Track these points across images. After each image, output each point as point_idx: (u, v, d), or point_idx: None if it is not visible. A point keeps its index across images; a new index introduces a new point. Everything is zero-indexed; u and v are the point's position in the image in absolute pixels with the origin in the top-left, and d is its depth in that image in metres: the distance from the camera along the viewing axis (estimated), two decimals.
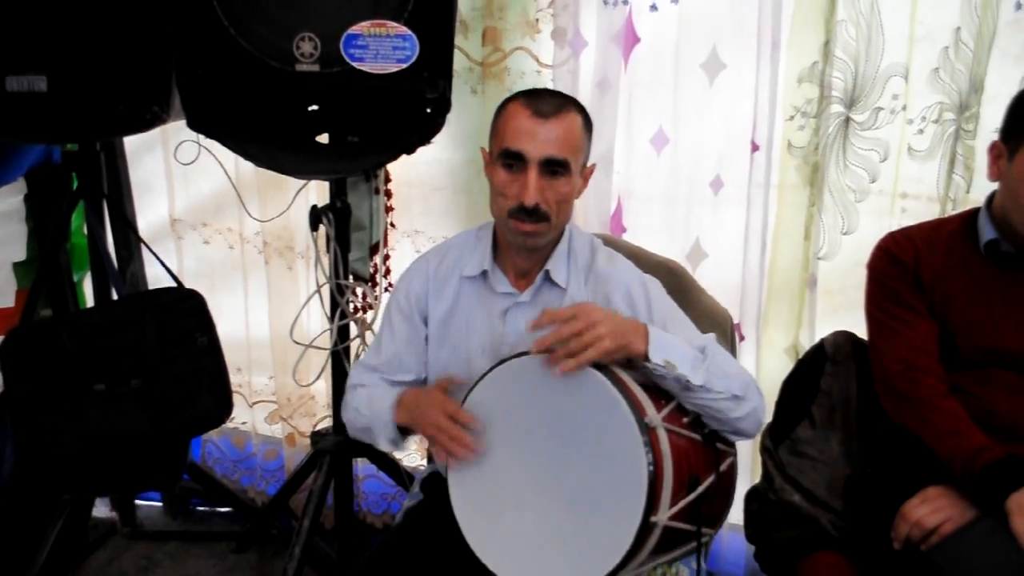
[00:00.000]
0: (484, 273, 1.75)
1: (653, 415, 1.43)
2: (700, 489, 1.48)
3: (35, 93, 2.06)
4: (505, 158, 1.61)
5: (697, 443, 1.55)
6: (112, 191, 2.63)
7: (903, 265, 1.81)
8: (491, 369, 1.53)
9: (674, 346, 1.54)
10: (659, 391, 1.53)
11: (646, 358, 1.50)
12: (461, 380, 1.67)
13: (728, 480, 1.64)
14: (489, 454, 1.52)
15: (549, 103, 1.62)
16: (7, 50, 2.05)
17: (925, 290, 1.80)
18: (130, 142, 2.80)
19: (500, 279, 1.74)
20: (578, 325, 1.45)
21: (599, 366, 1.46)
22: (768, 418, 1.94)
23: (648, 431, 1.38)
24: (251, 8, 1.93)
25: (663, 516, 1.39)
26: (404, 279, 1.83)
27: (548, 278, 1.72)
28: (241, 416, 3.03)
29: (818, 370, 1.94)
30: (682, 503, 1.44)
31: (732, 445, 1.67)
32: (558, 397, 1.46)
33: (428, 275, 1.79)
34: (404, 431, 1.73)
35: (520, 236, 1.64)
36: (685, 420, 1.55)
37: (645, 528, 1.35)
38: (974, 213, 1.84)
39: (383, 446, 1.75)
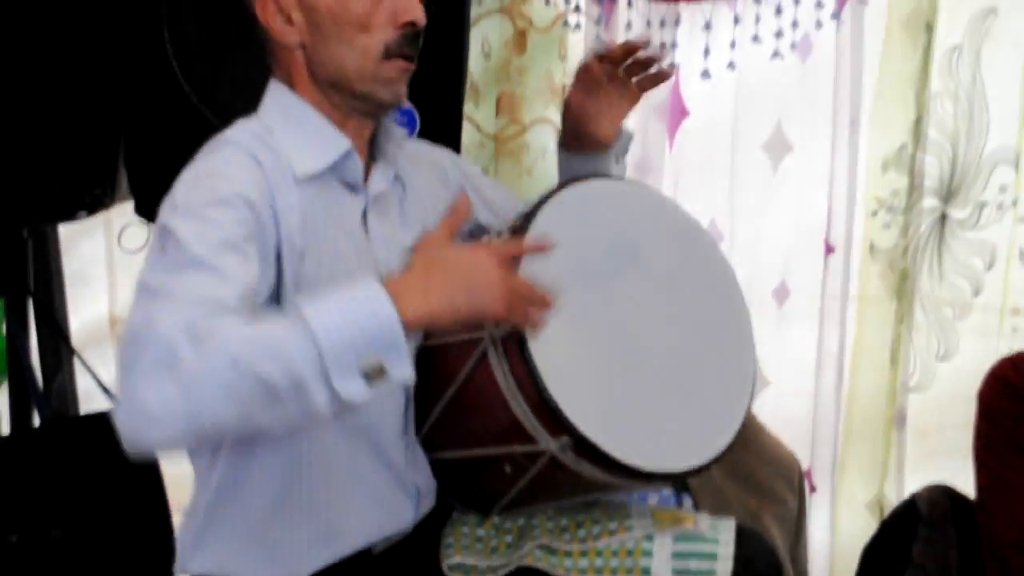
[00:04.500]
0: (334, 165, 1.46)
1: None
2: None
3: None
4: None
5: None
6: (39, 285, 2.62)
7: None
8: (555, 192, 1.48)
9: None
10: None
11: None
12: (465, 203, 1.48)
13: None
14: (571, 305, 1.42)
15: None
16: None
17: None
18: (65, 224, 2.78)
19: (357, 163, 1.49)
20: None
21: None
22: None
23: None
24: (216, 69, 1.97)
25: None
26: (214, 169, 1.38)
27: (383, 159, 1.53)
28: None
29: (909, 535, 1.88)
30: None
31: None
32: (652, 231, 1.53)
33: (259, 162, 1.40)
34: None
35: (399, 84, 1.45)
36: None
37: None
38: None
39: (321, 404, 1.16)
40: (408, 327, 1.19)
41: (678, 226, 1.54)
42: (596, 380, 1.44)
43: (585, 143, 1.65)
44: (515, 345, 1.36)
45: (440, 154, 1.69)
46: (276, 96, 1.48)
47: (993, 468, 1.78)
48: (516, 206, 1.65)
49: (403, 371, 1.19)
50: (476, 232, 1.61)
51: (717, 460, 1.46)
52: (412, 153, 1.60)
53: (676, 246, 1.52)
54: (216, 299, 1.21)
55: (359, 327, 1.16)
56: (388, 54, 1.41)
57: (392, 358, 1.17)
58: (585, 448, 1.38)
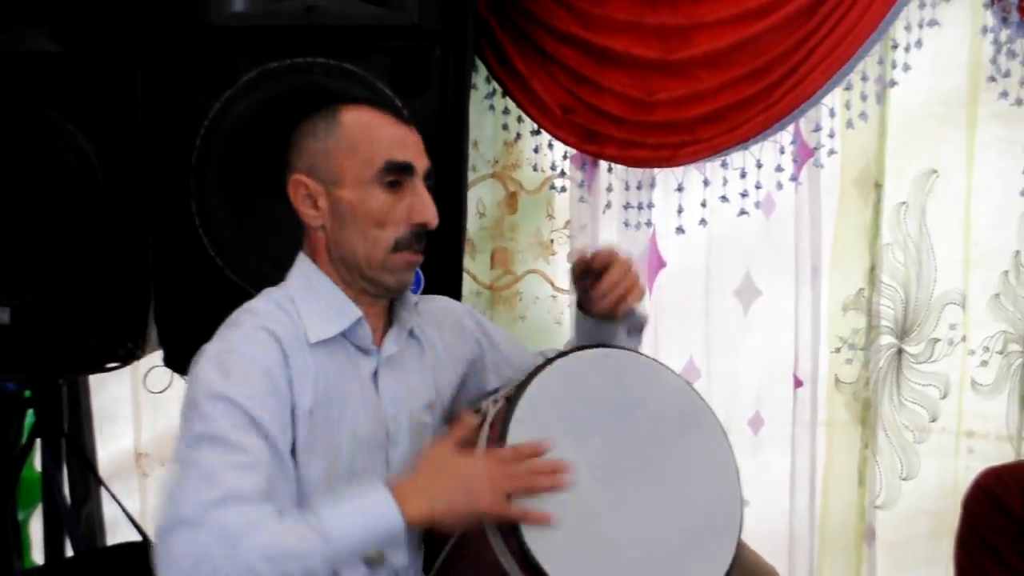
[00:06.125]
0: (345, 331, 1.53)
1: None
2: None
3: None
4: (389, 173, 1.49)
5: None
6: (72, 426, 2.71)
7: (1008, 515, 1.69)
8: (538, 371, 1.49)
9: None
10: None
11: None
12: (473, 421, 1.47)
13: None
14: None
15: (394, 107, 1.64)
16: None
17: None
18: None
19: (367, 330, 1.55)
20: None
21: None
22: None
23: None
24: (241, 236, 2.07)
25: None
26: (232, 347, 1.45)
27: (397, 324, 1.61)
28: None
29: None
30: None
31: None
32: (637, 396, 1.55)
33: (279, 340, 1.46)
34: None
35: (405, 273, 1.55)
36: None
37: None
38: None
39: None
40: (411, 524, 1.31)
41: (671, 390, 1.58)
42: (585, 538, 1.46)
43: (594, 310, 1.63)
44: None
45: (460, 310, 1.78)
46: (301, 267, 1.57)
47: (971, 574, 1.76)
48: (527, 359, 1.73)
49: (401, 560, 1.46)
50: (476, 401, 1.63)
51: None
52: (434, 310, 1.69)
53: (669, 409, 1.56)
54: (241, 481, 1.29)
55: (369, 531, 1.29)
56: (398, 247, 1.49)
57: (394, 549, 1.38)
58: None
